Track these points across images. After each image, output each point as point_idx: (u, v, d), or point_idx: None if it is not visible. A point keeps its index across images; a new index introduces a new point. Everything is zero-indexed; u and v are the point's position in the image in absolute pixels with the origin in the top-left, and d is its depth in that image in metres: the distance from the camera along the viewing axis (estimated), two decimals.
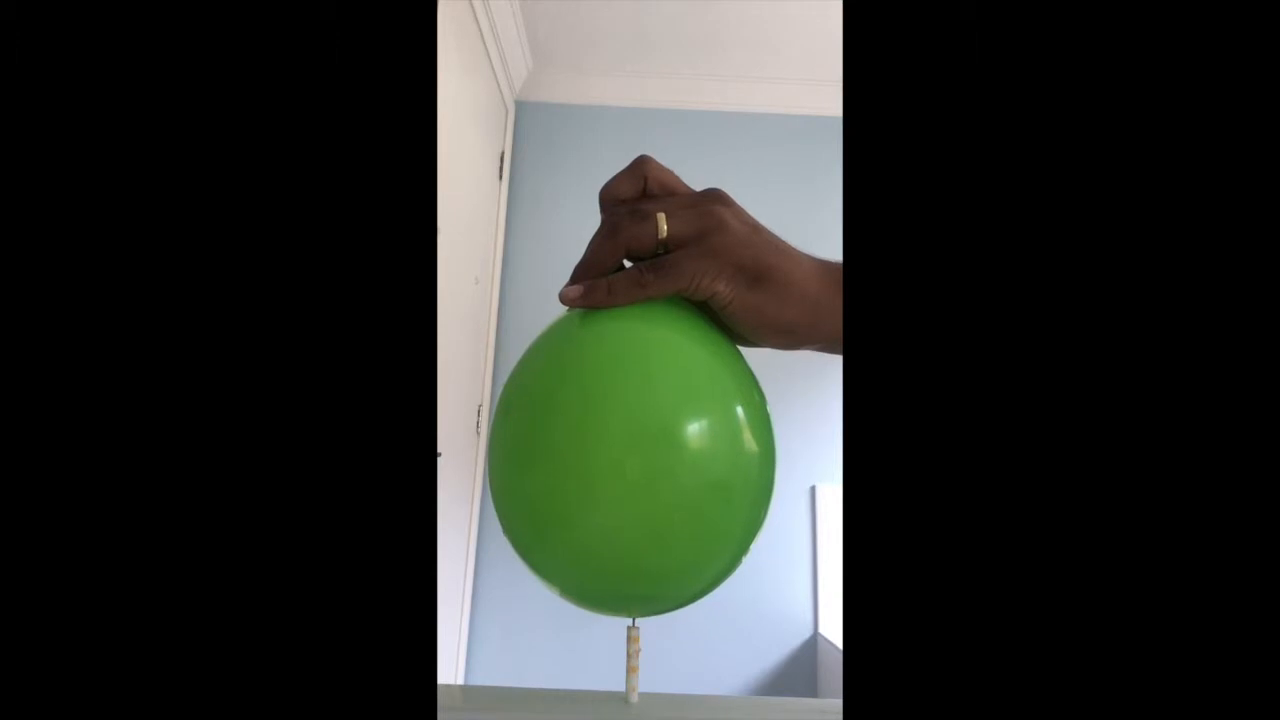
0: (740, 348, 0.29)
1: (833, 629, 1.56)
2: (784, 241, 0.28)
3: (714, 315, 0.28)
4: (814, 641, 1.58)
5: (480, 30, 1.45)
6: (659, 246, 0.27)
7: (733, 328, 0.28)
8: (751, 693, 1.56)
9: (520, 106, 1.81)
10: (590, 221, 0.28)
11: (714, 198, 0.28)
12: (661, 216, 0.27)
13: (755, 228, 0.28)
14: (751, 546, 0.28)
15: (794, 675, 1.57)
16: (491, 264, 1.68)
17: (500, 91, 1.67)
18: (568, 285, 0.28)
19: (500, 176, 1.73)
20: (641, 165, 0.29)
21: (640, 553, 0.25)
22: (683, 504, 0.25)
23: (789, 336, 0.28)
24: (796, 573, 1.62)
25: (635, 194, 0.29)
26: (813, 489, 1.65)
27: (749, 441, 0.26)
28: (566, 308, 0.29)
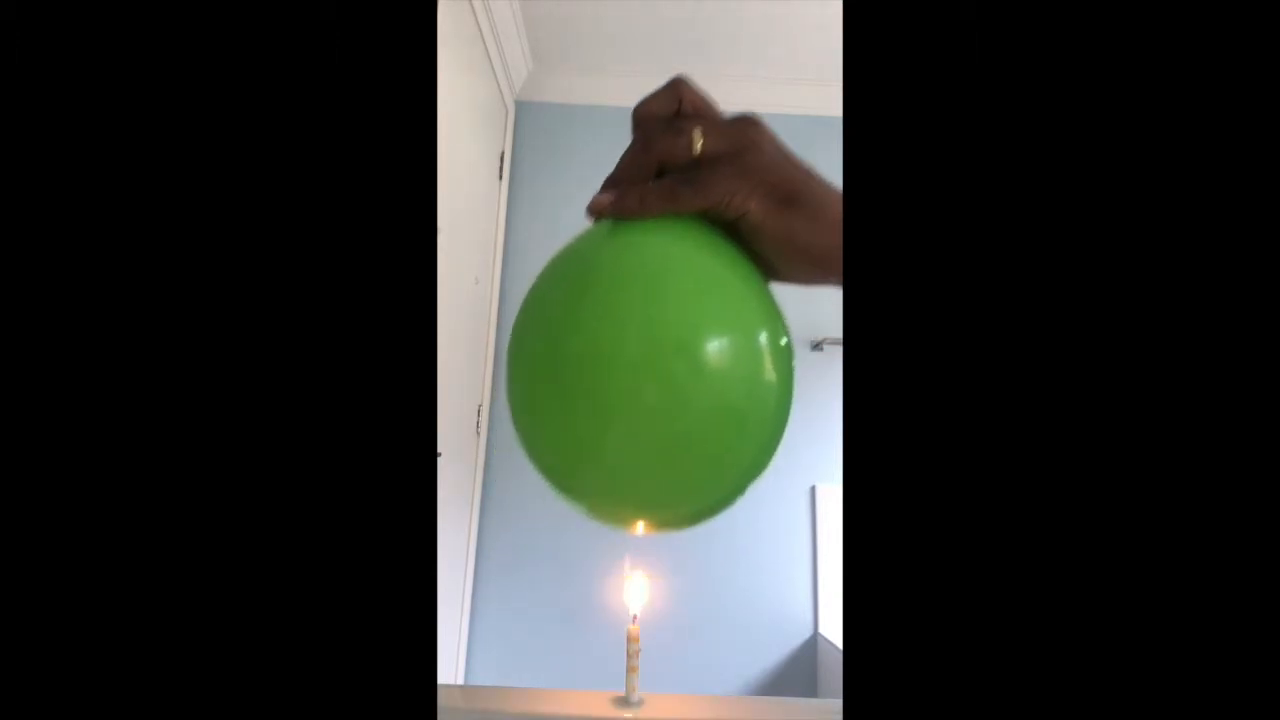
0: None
1: (833, 629, 1.56)
2: (815, 170, 0.28)
3: (743, 243, 0.28)
4: (814, 641, 1.58)
5: (480, 30, 1.45)
6: (692, 164, 0.27)
7: (762, 253, 0.28)
8: (751, 693, 1.56)
9: (520, 106, 1.81)
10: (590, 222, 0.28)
11: (748, 121, 0.28)
12: (697, 131, 0.27)
13: (788, 153, 0.28)
14: (758, 478, 0.28)
15: (794, 675, 1.57)
16: (491, 264, 1.68)
17: (500, 91, 1.67)
18: (598, 194, 0.28)
19: (500, 176, 1.73)
20: (677, 85, 0.29)
21: (652, 467, 0.25)
22: (694, 425, 0.24)
23: (815, 266, 0.27)
24: (796, 573, 1.62)
25: (669, 113, 0.29)
26: (813, 489, 1.64)
27: (768, 370, 0.25)
28: (591, 222, 0.28)
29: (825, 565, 1.61)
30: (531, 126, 1.81)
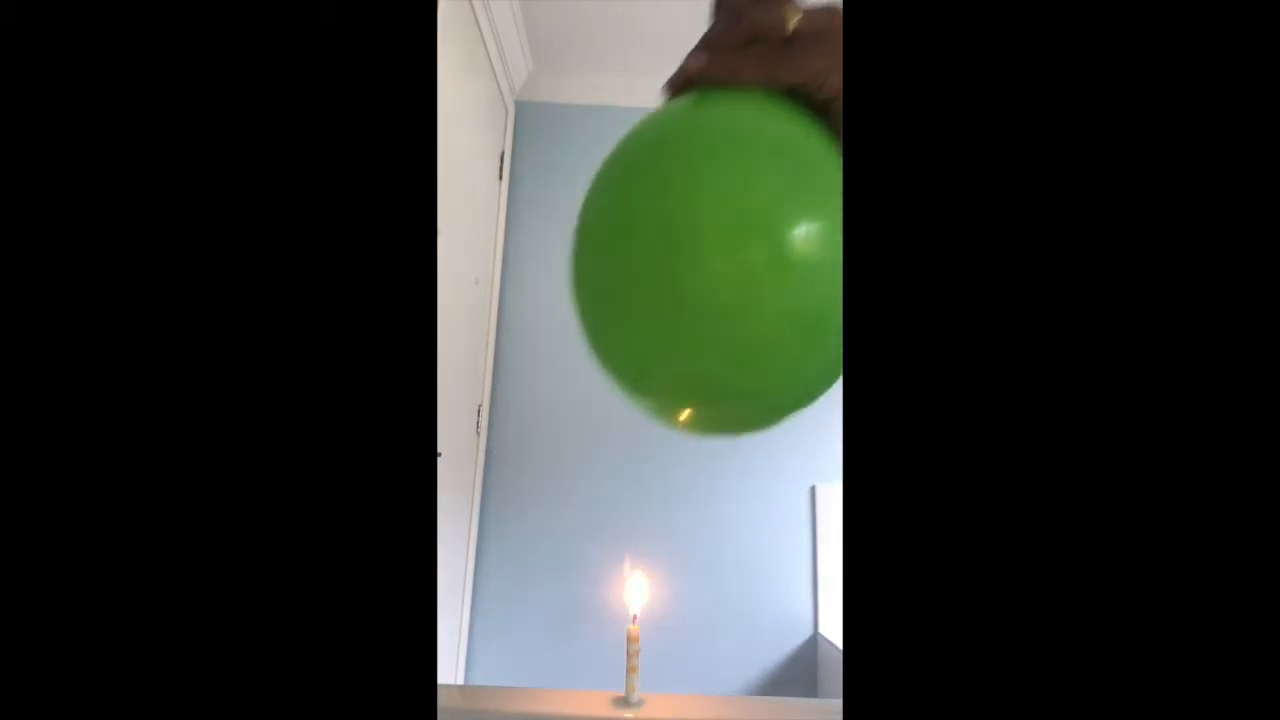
0: None
1: (833, 629, 1.56)
2: None
3: (832, 127, 0.26)
4: (814, 641, 1.58)
5: (480, 30, 1.45)
6: (782, 43, 0.25)
7: None
8: (751, 693, 1.56)
9: (520, 106, 1.81)
10: None
11: (836, 10, 0.26)
12: (791, 6, 0.25)
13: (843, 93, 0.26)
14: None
15: (794, 675, 1.57)
16: (491, 264, 1.68)
17: (500, 91, 1.67)
18: (686, 60, 0.26)
19: (500, 176, 1.73)
20: None
21: (724, 367, 0.23)
22: (770, 322, 0.22)
23: None
24: (796, 573, 1.62)
25: None
26: (813, 489, 1.64)
27: None
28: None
29: (825, 565, 1.61)
30: (531, 126, 1.81)
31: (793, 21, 0.25)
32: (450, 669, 1.47)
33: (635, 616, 0.67)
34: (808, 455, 1.63)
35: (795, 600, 1.61)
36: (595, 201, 0.25)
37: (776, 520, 1.63)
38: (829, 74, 0.25)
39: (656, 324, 0.23)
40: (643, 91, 1.79)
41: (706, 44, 0.26)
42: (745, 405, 0.25)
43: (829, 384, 0.25)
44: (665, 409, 0.26)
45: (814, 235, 0.22)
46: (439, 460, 1.29)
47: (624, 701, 0.60)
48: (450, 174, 1.28)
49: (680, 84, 0.26)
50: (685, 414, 0.26)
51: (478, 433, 1.60)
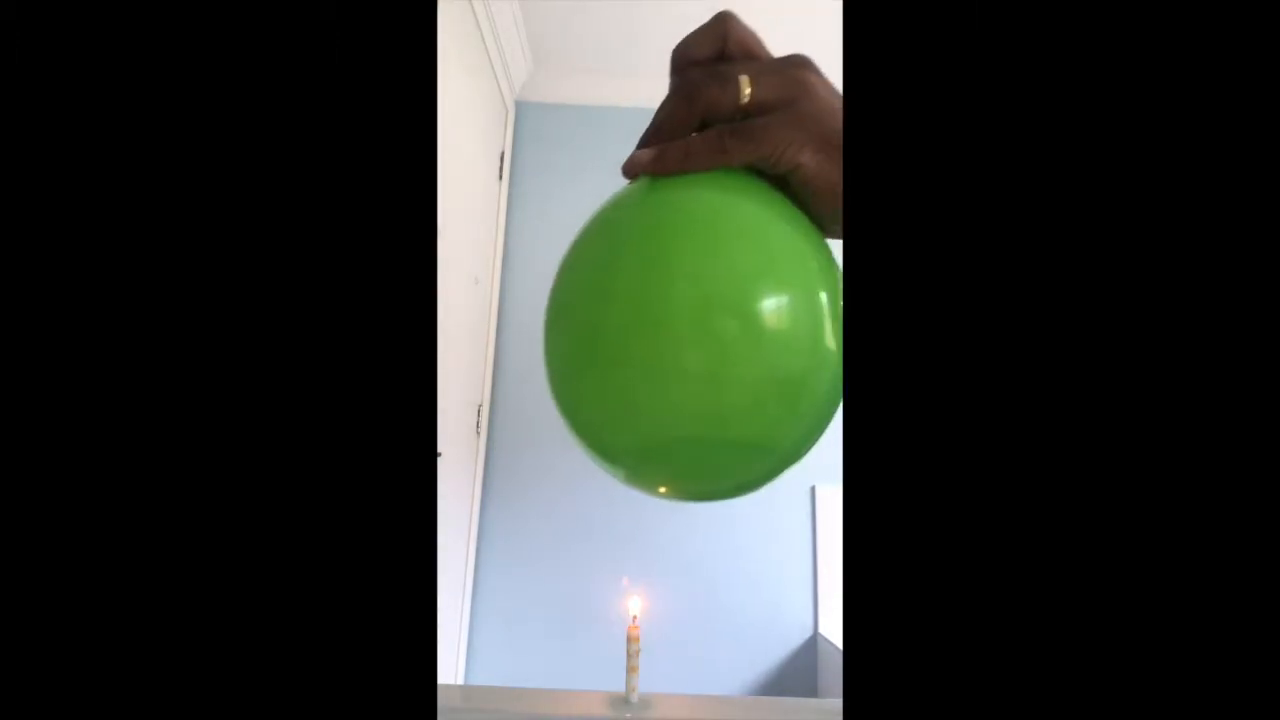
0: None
1: (833, 629, 1.56)
2: None
3: (795, 197, 0.25)
4: (814, 641, 1.58)
5: (480, 30, 1.45)
6: (738, 114, 0.25)
7: (814, 208, 0.25)
8: (751, 693, 1.56)
9: (520, 106, 1.81)
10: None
11: (799, 63, 0.25)
12: (745, 79, 0.24)
13: (843, 98, 0.25)
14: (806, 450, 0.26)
15: (794, 675, 1.57)
16: (491, 264, 1.68)
17: (500, 91, 1.67)
18: (636, 150, 0.25)
19: (500, 176, 1.73)
20: (722, 23, 0.26)
21: (695, 437, 0.23)
22: (743, 393, 0.22)
23: None
24: (796, 573, 1.62)
25: (713, 55, 0.26)
26: (813, 489, 1.65)
27: (828, 336, 0.23)
28: (629, 181, 0.26)
29: (825, 565, 1.61)
30: (531, 126, 1.81)
31: (747, 92, 0.24)
32: (450, 669, 1.47)
33: (635, 617, 0.67)
34: (808, 455, 1.63)
35: (795, 600, 1.61)
36: (560, 290, 0.26)
37: (776, 520, 1.63)
38: (787, 147, 0.24)
39: (623, 389, 0.23)
40: (643, 92, 1.79)
41: (656, 130, 0.26)
42: (714, 474, 0.25)
43: (806, 449, 0.25)
44: (635, 476, 0.26)
45: (785, 306, 0.22)
46: (439, 460, 1.29)
47: (624, 701, 0.60)
48: (450, 174, 1.28)
49: (634, 174, 0.26)
50: (663, 490, 0.26)
51: (478, 433, 1.60)
